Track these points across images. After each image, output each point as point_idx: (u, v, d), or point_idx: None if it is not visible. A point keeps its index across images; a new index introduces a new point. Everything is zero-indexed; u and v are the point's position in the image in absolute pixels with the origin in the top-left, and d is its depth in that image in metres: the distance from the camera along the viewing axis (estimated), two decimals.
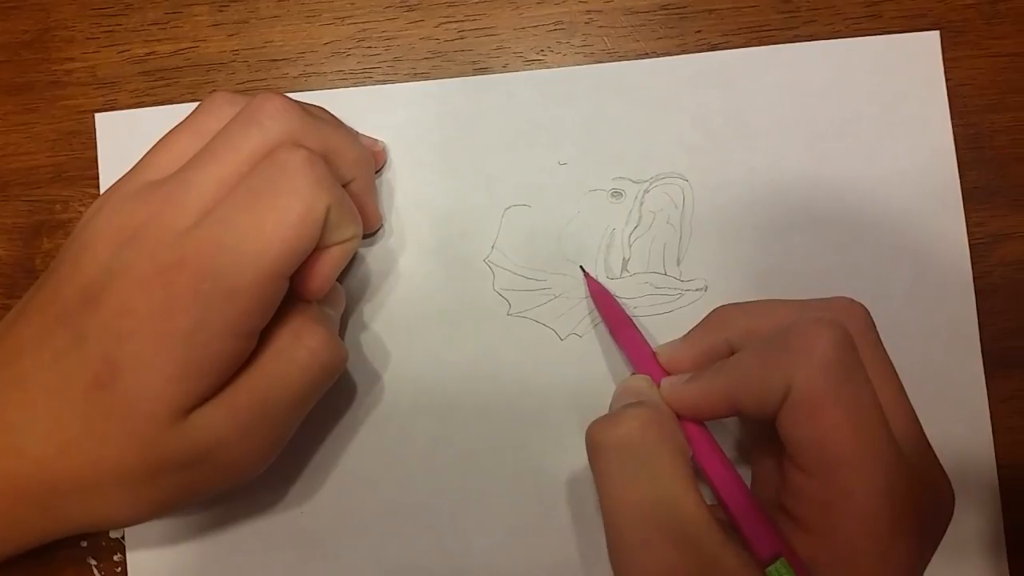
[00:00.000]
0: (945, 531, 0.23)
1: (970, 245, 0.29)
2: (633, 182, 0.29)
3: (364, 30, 0.30)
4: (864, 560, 0.21)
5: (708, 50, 0.30)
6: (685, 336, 0.26)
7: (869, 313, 0.24)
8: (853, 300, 0.24)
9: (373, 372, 0.29)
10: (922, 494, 0.22)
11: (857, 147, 0.29)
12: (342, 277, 0.29)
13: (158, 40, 0.31)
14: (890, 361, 0.23)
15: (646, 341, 0.27)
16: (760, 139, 0.29)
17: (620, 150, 0.29)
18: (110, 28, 0.31)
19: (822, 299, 0.24)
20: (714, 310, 0.26)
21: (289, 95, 0.26)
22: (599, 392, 0.28)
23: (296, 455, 0.28)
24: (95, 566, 0.29)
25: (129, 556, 0.28)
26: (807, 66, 0.30)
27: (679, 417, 0.24)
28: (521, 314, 0.29)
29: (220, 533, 0.28)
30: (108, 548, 0.29)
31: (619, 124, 0.29)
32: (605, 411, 0.28)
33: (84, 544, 0.29)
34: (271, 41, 0.30)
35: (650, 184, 0.29)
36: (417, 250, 0.29)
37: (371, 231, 0.29)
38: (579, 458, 0.28)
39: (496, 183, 0.29)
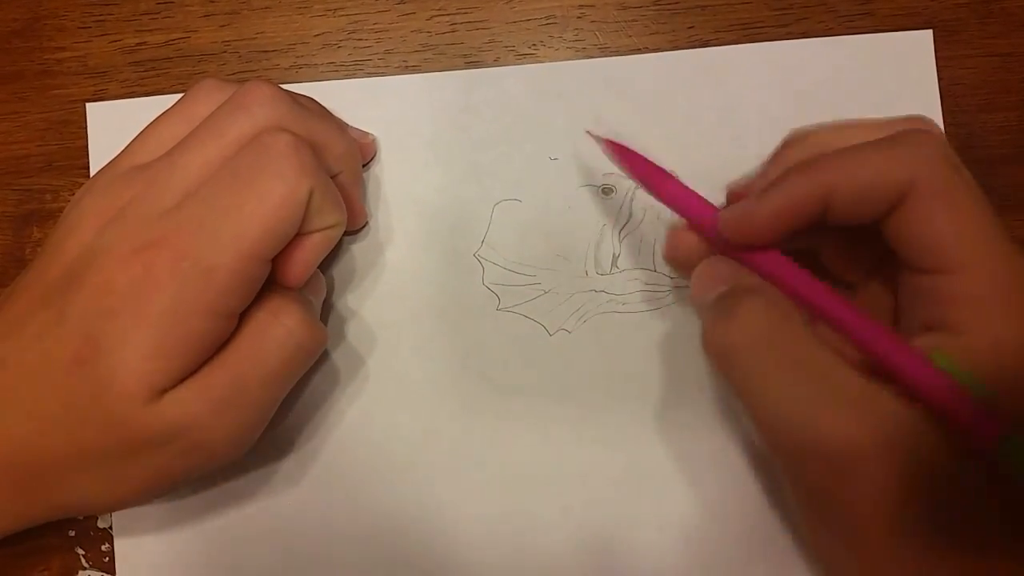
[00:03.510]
0: None
1: None
2: (624, 178, 0.29)
3: (355, 22, 0.30)
4: None
5: (700, 46, 0.30)
6: (763, 167, 0.24)
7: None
8: (928, 118, 0.23)
9: (361, 366, 0.29)
10: None
11: None
12: (328, 268, 0.29)
13: (149, 30, 0.30)
14: None
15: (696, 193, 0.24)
16: (751, 136, 0.29)
17: None
18: (101, 17, 0.31)
19: (898, 117, 0.23)
20: (787, 137, 0.24)
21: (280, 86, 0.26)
22: (588, 388, 0.28)
23: (282, 446, 0.28)
24: (83, 555, 0.29)
25: (117, 545, 0.28)
26: (799, 64, 0.29)
27: (745, 255, 0.23)
28: (510, 309, 0.29)
29: (207, 523, 0.28)
30: (96, 537, 0.29)
31: (611, 120, 0.29)
32: (594, 406, 0.28)
33: (72, 533, 0.29)
34: (262, 32, 0.30)
35: None
36: (406, 244, 0.29)
37: (355, 228, 0.29)
38: (567, 453, 0.28)
39: (487, 177, 0.29)
